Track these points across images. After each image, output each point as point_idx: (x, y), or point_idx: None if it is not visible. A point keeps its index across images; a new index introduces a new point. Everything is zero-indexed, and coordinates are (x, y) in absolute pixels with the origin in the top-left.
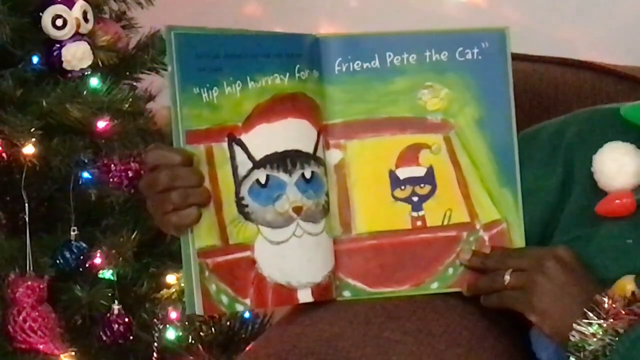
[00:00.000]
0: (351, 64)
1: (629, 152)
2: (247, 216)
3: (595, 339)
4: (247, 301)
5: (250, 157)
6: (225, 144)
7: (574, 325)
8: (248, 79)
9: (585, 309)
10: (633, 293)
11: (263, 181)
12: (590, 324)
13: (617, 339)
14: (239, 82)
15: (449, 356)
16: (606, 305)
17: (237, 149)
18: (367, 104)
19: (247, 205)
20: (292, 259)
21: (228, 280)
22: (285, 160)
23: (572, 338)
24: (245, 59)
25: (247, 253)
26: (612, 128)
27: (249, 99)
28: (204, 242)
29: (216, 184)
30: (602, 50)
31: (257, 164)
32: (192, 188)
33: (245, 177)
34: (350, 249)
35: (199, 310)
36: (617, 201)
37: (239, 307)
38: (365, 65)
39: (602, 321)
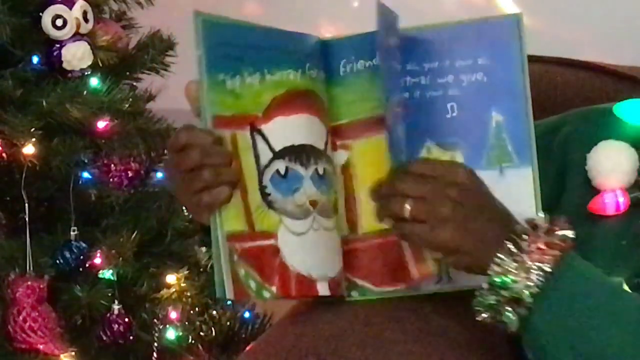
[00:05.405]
0: (354, 64)
1: (622, 150)
2: (270, 205)
3: (518, 277)
4: (274, 289)
5: (270, 147)
6: (247, 133)
7: (493, 261)
8: (265, 71)
9: (505, 240)
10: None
11: (283, 172)
12: (510, 255)
13: (543, 276)
14: (257, 73)
15: (449, 356)
16: (526, 237)
17: (259, 138)
18: (371, 102)
19: (269, 194)
20: (312, 251)
21: (255, 266)
22: (301, 153)
23: (490, 273)
24: (263, 51)
25: (272, 241)
26: (608, 126)
27: (267, 91)
28: (232, 227)
29: (241, 170)
30: (602, 50)
31: (277, 155)
32: (224, 167)
33: (267, 166)
34: (357, 248)
35: (229, 294)
36: (609, 199)
37: (266, 294)
38: (367, 64)
39: (524, 255)
